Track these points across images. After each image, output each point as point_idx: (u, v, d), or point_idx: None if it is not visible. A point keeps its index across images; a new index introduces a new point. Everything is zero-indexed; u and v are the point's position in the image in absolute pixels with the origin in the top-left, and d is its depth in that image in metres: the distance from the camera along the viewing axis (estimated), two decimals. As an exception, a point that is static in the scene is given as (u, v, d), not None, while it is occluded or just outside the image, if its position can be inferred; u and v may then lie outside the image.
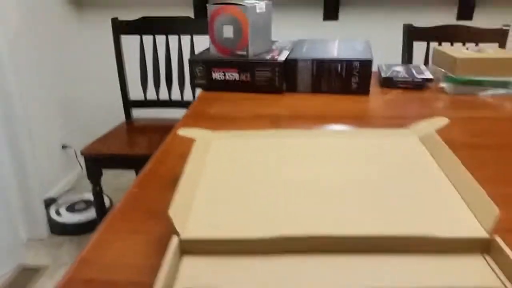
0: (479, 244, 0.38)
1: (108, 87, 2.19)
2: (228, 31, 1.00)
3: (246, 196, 0.46)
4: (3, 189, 1.61)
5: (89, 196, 1.90)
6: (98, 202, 1.55)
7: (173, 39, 1.68)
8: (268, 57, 1.00)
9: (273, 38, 1.17)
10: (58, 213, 1.89)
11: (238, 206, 0.45)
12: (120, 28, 1.66)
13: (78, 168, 2.22)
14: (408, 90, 1.00)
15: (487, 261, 0.37)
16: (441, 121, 0.59)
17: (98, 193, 1.53)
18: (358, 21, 2.05)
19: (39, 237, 1.81)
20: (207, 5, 1.01)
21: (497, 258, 0.37)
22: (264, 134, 0.61)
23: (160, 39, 1.67)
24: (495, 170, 0.61)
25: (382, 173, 0.50)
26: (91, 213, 1.87)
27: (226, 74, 1.00)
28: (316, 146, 0.58)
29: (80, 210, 1.91)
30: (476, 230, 0.39)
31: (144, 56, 1.70)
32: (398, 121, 0.81)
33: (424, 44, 1.58)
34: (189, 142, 0.57)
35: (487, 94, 0.95)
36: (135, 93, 1.76)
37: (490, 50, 1.05)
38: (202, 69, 1.01)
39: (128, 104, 1.74)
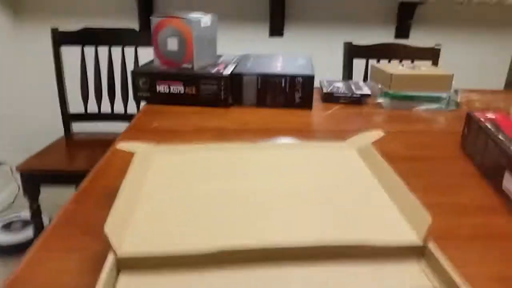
0: (413, 251, 0.40)
1: (46, 100, 2.09)
2: (172, 44, 1.00)
3: (186, 210, 0.46)
4: None
5: (27, 214, 1.79)
6: (36, 220, 1.47)
7: (116, 51, 1.64)
8: (214, 70, 1.00)
9: (219, 52, 1.18)
10: (-9, 233, 1.77)
11: (177, 220, 0.44)
12: (61, 39, 1.60)
13: (15, 186, 2.10)
14: (348, 105, 1.04)
15: (421, 267, 0.39)
16: (377, 134, 0.62)
17: (35, 211, 1.45)
18: (302, 38, 2.11)
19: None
20: (150, 17, 1.00)
21: (431, 264, 0.39)
22: (205, 148, 0.61)
23: (103, 50, 1.63)
24: (428, 180, 0.64)
25: (319, 184, 0.52)
26: (28, 233, 1.76)
27: (171, 87, 0.99)
28: (257, 159, 0.58)
29: (16, 230, 1.80)
30: (410, 237, 0.41)
31: (85, 68, 1.65)
32: (338, 134, 0.83)
33: (364, 61, 1.66)
34: (130, 156, 0.56)
35: (421, 109, 1.01)
36: (75, 106, 1.69)
37: (423, 67, 1.11)
38: (146, 81, 0.99)
39: (68, 118, 1.67)
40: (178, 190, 0.50)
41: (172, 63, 1.02)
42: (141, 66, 1.05)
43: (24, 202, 1.48)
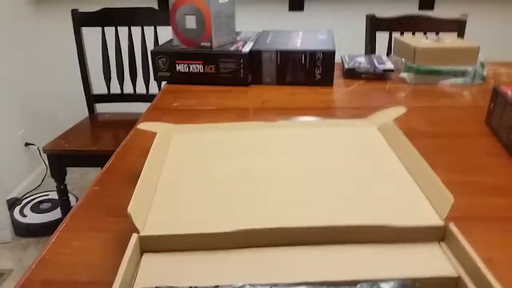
0: (434, 232, 0.40)
1: (70, 82, 2.13)
2: (190, 22, 0.99)
3: (207, 190, 0.46)
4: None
5: (55, 195, 1.85)
6: (63, 201, 1.52)
7: (136, 31, 1.64)
8: (232, 48, 0.99)
9: (238, 29, 1.16)
10: (22, 213, 1.83)
11: (199, 200, 0.44)
12: (81, 20, 1.61)
13: (43, 166, 2.16)
14: (370, 80, 1.01)
15: (442, 249, 0.38)
16: (399, 111, 0.60)
17: (62, 191, 1.49)
18: (323, 12, 2.06)
19: (3, 240, 1.75)
20: (168, -4, 1.00)
21: (452, 246, 0.38)
22: (226, 127, 0.61)
23: (123, 31, 1.64)
24: (451, 158, 0.63)
25: (340, 163, 0.51)
26: (57, 213, 1.82)
27: (190, 66, 0.99)
28: (276, 138, 0.58)
29: (45, 210, 1.86)
30: (431, 218, 0.41)
31: (107, 49, 1.66)
32: (359, 111, 0.82)
33: (387, 34, 1.61)
34: (152, 136, 0.56)
35: (445, 83, 0.98)
36: (99, 87, 1.72)
37: (448, 39, 1.07)
38: (166, 61, 0.99)
39: (91, 99, 1.70)
40: (198, 170, 0.50)
41: (191, 42, 1.01)
42: (160, 45, 1.05)
43: (52, 182, 1.52)
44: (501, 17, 2.07)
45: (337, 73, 1.04)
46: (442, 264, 0.37)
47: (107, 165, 0.62)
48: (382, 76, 1.01)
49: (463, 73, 0.98)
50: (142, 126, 0.59)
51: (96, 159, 1.40)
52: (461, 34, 1.56)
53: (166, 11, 1.56)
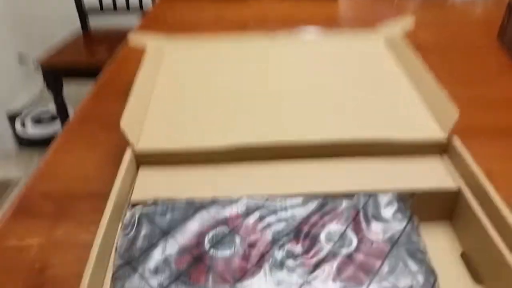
0: (436, 145, 0.39)
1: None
2: None
3: (203, 104, 0.45)
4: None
5: (54, 107, 1.84)
6: (62, 114, 1.51)
7: None
8: (231, -47, 0.92)
9: None
10: (23, 126, 1.84)
11: (194, 115, 0.43)
12: None
13: (40, 80, 2.12)
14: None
15: (444, 163, 0.38)
16: (407, 23, 0.57)
17: (60, 105, 1.48)
18: None
19: (7, 151, 1.78)
20: None
21: (454, 160, 0.37)
22: (222, 40, 0.58)
23: None
24: (459, 72, 0.60)
25: (342, 77, 0.49)
26: (57, 126, 1.82)
27: (187, -27, 0.92)
28: (277, 52, 0.55)
29: (46, 123, 1.86)
30: (434, 132, 0.40)
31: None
32: (365, 24, 0.78)
33: None
34: (144, 50, 0.54)
35: (458, -7, 0.92)
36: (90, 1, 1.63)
37: None
38: (159, -33, 0.92)
39: (84, 12, 1.62)
40: (193, 83, 0.48)
41: None
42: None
43: (50, 96, 1.51)
44: None
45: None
46: (443, 177, 0.36)
47: (100, 78, 0.59)
48: (391, -15, 0.95)
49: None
50: (134, 38, 0.56)
51: (91, 72, 1.37)
52: None
53: None
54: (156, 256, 0.30)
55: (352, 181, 0.36)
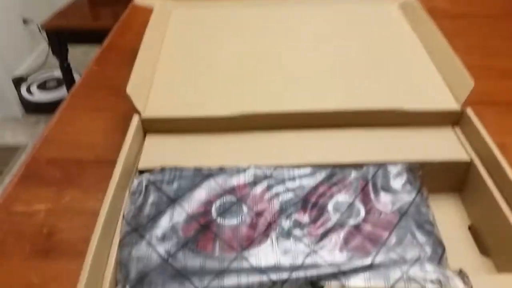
0: (449, 116, 0.38)
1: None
2: None
3: (210, 71, 0.44)
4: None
5: (60, 73, 1.83)
6: (68, 79, 1.50)
7: None
8: None
9: None
10: (29, 91, 1.83)
11: (201, 82, 0.42)
12: None
13: (44, 44, 2.10)
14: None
15: (456, 134, 0.37)
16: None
17: (66, 70, 1.47)
18: None
19: (14, 116, 1.78)
20: None
21: (466, 131, 0.37)
22: (231, 3, 0.56)
23: None
24: (474, 41, 0.59)
25: (356, 42, 0.48)
26: (64, 91, 1.82)
27: None
28: (286, 16, 0.53)
29: (52, 88, 1.86)
30: (447, 102, 0.39)
31: None
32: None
33: None
34: (150, 12, 0.52)
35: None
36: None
37: None
38: None
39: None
40: (199, 49, 0.47)
41: None
42: None
43: (55, 61, 1.49)
44: None
45: None
46: (454, 148, 0.36)
47: (105, 43, 0.58)
48: None
49: None
50: (139, 1, 0.54)
51: (96, 36, 1.35)
52: None
53: None
54: (164, 223, 0.30)
55: (362, 151, 0.35)
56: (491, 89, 0.49)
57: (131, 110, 0.37)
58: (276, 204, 0.31)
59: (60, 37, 1.38)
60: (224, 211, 0.31)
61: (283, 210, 0.31)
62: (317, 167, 0.33)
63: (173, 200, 0.31)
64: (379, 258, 0.28)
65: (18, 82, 1.85)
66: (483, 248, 0.32)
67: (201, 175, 0.33)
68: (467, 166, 0.34)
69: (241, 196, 0.32)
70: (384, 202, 0.31)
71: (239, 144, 0.36)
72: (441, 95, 0.40)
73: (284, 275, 0.27)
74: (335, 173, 0.33)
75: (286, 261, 0.28)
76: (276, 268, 0.27)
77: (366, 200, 0.32)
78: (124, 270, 0.28)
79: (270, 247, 0.29)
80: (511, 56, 0.55)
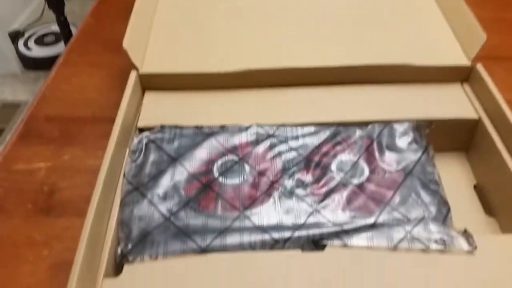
0: (458, 72, 0.36)
1: None
2: None
3: (209, 26, 0.42)
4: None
5: (57, 28, 1.78)
6: (65, 33, 1.47)
7: None
8: None
9: None
10: (27, 47, 1.79)
11: (200, 37, 0.40)
12: None
13: (40, -3, 2.04)
14: None
15: (465, 91, 0.36)
16: None
17: (63, 24, 1.43)
18: None
19: (13, 73, 1.75)
20: None
21: (475, 88, 0.35)
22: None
23: None
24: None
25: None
26: (62, 46, 1.78)
27: None
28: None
29: (50, 43, 1.81)
30: (457, 57, 0.37)
31: None
32: None
33: None
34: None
35: None
36: None
37: None
38: None
39: None
40: (198, 3, 0.45)
41: None
42: None
43: (52, 15, 1.45)
44: None
45: None
46: (463, 106, 0.34)
47: (101, -6, 0.56)
48: None
49: None
50: None
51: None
52: None
53: None
54: (165, 182, 0.30)
55: (367, 109, 0.34)
56: (501, 44, 0.47)
57: (129, 65, 0.36)
58: (278, 163, 0.31)
59: (55, -10, 1.34)
60: (226, 170, 0.30)
61: (285, 170, 0.30)
62: (321, 126, 0.33)
63: (174, 159, 0.31)
64: (382, 218, 0.27)
65: (15, 36, 1.81)
66: (488, 208, 0.32)
67: (202, 134, 0.32)
68: (475, 124, 0.34)
69: (243, 155, 0.31)
70: (389, 161, 0.31)
71: (241, 102, 0.35)
72: (450, 49, 0.38)
73: (287, 234, 0.27)
74: (339, 131, 0.32)
75: (288, 220, 0.27)
76: (279, 227, 0.27)
77: (370, 159, 0.31)
78: (126, 228, 0.27)
79: (273, 206, 0.28)
80: (524, 9, 0.53)
